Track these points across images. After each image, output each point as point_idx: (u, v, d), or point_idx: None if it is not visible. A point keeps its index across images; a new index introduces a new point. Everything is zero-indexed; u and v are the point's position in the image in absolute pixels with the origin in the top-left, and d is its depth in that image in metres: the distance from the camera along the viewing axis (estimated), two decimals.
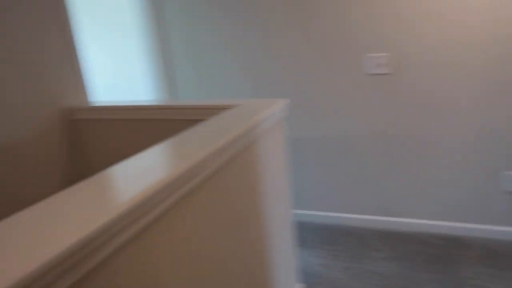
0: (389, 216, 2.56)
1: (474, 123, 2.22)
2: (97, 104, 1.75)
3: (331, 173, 2.61)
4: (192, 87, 2.79)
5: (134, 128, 1.70)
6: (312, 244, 2.46)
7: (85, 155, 1.82)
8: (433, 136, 2.33)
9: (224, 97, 2.74)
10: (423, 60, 2.22)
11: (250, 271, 1.28)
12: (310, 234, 2.58)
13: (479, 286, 1.94)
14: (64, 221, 0.59)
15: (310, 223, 2.72)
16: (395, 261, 2.21)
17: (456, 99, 2.22)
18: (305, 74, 2.48)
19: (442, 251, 2.25)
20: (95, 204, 0.65)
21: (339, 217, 2.66)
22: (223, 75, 2.69)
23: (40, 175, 1.61)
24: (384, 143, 2.44)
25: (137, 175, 0.77)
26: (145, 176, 0.76)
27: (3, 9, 1.46)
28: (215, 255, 1.01)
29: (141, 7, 2.58)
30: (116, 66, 2.81)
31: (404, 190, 2.48)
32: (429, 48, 2.20)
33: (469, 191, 2.34)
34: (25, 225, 0.59)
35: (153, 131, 1.68)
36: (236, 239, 1.15)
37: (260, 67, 2.58)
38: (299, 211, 2.76)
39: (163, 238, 0.78)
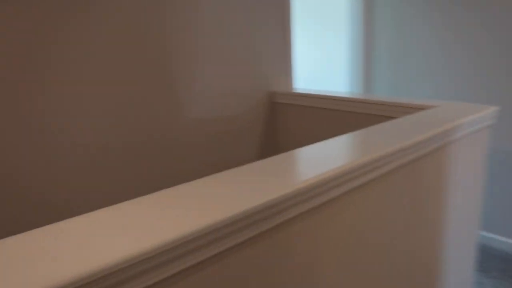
0: None
1: None
2: (297, 91, 1.94)
3: None
4: (387, 84, 2.76)
5: (326, 117, 1.83)
6: (496, 273, 2.18)
7: (279, 134, 2.05)
8: None
9: (421, 97, 2.62)
10: None
11: (414, 280, 1.26)
12: (495, 261, 2.28)
13: None
14: (255, 185, 0.73)
15: (498, 249, 2.39)
16: None
17: None
18: None
19: None
20: (280, 177, 0.77)
21: None
22: (424, 75, 2.57)
23: (245, 143, 1.91)
24: None
25: (320, 159, 0.87)
26: (327, 161, 0.85)
27: (235, 3, 1.76)
28: (377, 252, 1.05)
29: (351, 1, 2.67)
30: (316, 57, 2.99)
31: None
32: None
33: None
34: (230, 181, 0.76)
35: (344, 122, 1.77)
36: (405, 243, 1.15)
37: (471, 68, 2.36)
38: (487, 234, 2.46)
39: (331, 222, 0.86)
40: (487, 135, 1.52)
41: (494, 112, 1.46)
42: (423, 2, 2.46)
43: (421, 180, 1.15)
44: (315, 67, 3.03)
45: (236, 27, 1.77)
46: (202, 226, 0.55)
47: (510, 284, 2.07)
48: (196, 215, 0.58)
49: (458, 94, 2.42)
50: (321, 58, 2.96)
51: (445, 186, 1.29)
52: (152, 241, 0.50)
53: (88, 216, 0.58)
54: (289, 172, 0.79)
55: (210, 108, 1.73)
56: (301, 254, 0.78)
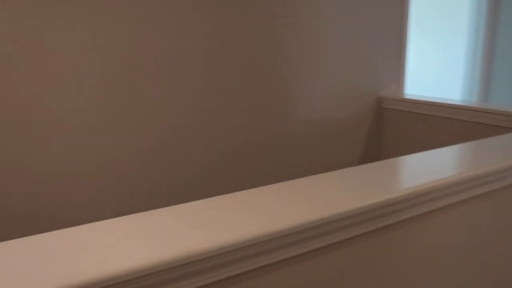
0: None
1: None
2: (407, 97, 1.90)
3: None
4: (509, 92, 2.53)
5: (437, 125, 1.76)
6: None
7: (384, 139, 2.02)
8: None
9: None
10: None
11: None
12: None
13: None
14: (363, 186, 0.76)
15: None
16: None
17: None
18: None
19: None
20: (386, 181, 0.79)
21: None
22: None
23: (348, 145, 1.92)
24: None
25: (431, 168, 0.85)
26: (438, 170, 0.83)
27: (352, 7, 1.78)
28: (475, 264, 1.00)
29: (475, 9, 2.51)
30: (431, 60, 2.86)
31: None
32: None
33: None
34: (337, 181, 0.79)
35: (457, 132, 1.69)
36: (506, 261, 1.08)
37: None
38: None
39: (434, 231, 0.85)
40: None
41: None
42: None
43: None
44: (428, 72, 2.90)
45: (351, 31, 1.79)
46: (321, 216, 0.61)
47: None
48: (316, 207, 0.64)
49: None
50: (436, 62, 2.82)
51: None
52: (287, 221, 0.57)
53: (234, 196, 0.67)
54: (402, 176, 0.81)
55: (319, 109, 1.78)
56: (403, 255, 0.79)
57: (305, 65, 1.71)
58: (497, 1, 2.51)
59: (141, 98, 1.39)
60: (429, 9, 2.80)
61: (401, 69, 1.97)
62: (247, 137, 1.61)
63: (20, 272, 0.47)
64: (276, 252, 0.58)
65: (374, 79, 1.92)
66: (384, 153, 2.04)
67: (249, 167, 1.65)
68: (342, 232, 0.65)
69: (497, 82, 2.59)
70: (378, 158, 2.06)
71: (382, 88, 1.95)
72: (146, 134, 1.42)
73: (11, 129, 1.23)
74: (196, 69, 1.47)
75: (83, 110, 1.32)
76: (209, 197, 0.70)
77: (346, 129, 1.89)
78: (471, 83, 2.60)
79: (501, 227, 0.96)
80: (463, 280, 0.92)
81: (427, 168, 0.86)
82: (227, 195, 0.70)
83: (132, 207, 1.44)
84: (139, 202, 1.46)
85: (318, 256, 0.65)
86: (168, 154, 1.47)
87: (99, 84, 1.33)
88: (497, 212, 0.94)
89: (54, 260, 0.49)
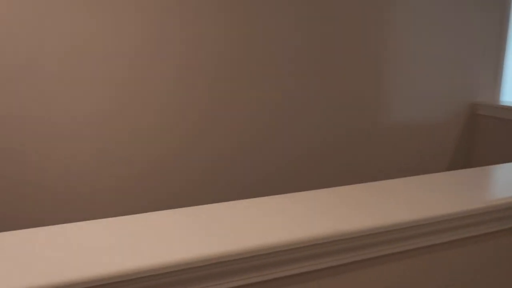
0: None
1: None
2: (504, 104, 1.79)
3: None
4: None
5: None
6: None
7: (476, 146, 1.92)
8: None
9: None
10: None
11: None
12: None
13: None
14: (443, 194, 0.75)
15: None
16: None
17: None
18: None
19: None
20: (468, 190, 0.75)
21: None
22: None
23: (436, 150, 1.85)
24: None
25: None
26: None
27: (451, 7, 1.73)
28: None
29: None
30: None
31: None
32: None
33: None
34: (415, 187, 0.78)
35: None
36: None
37: None
38: None
39: None
40: None
41: None
42: None
43: None
44: None
45: (446, 33, 1.74)
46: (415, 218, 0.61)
47: None
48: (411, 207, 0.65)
49: None
50: None
51: None
52: (385, 219, 0.59)
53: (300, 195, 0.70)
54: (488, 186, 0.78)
55: (408, 112, 1.74)
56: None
57: (396, 68, 1.69)
58: None
59: (229, 98, 1.46)
60: None
61: (498, 74, 1.87)
62: (331, 136, 1.63)
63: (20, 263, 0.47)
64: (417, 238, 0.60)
65: (467, 84, 1.84)
66: (474, 161, 1.94)
67: (333, 166, 1.67)
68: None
69: None
70: (467, 166, 1.96)
71: (476, 94, 1.86)
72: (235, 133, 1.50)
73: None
74: (286, 69, 1.52)
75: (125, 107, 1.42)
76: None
77: (434, 135, 1.83)
78: None
79: None
80: None
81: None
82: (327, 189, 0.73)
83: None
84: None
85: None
86: (268, 147, 1.53)
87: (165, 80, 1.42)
88: None
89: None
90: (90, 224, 0.58)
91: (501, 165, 0.92)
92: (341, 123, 1.64)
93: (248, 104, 1.49)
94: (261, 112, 1.52)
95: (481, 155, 1.90)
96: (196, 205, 0.64)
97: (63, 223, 0.57)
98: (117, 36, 1.29)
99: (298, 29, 1.51)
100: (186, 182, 1.45)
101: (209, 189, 1.48)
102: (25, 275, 0.44)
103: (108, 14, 1.26)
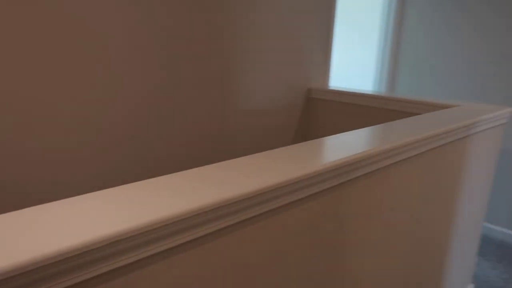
0: None
1: None
2: (331, 88, 2.17)
3: None
4: (411, 84, 2.96)
5: (357, 112, 2.06)
6: (494, 258, 2.40)
7: (314, 126, 2.29)
8: None
9: (441, 97, 2.82)
10: None
11: (428, 250, 1.49)
12: (494, 249, 2.50)
13: None
14: (286, 164, 0.97)
15: (494, 237, 2.60)
16: None
17: None
18: None
19: None
20: (308, 159, 1.00)
21: None
22: (446, 76, 2.77)
23: (283, 134, 2.15)
24: None
25: (345, 146, 1.09)
26: (351, 147, 1.06)
27: (285, 7, 1.99)
28: (402, 222, 1.28)
29: (386, 3, 2.88)
30: (348, 58, 3.21)
31: None
32: None
33: None
34: (262, 161, 0.99)
35: (373, 117, 1.99)
36: (424, 220, 1.38)
37: (491, 71, 2.56)
38: (491, 226, 2.66)
39: (355, 195, 1.10)
40: (501, 133, 1.73)
41: (509, 112, 1.67)
42: (449, 10, 2.65)
43: (442, 167, 1.37)
44: (346, 67, 3.25)
45: (284, 29, 2.00)
46: (265, 185, 0.79)
47: (504, 267, 2.30)
48: (257, 178, 0.82)
49: (478, 95, 2.62)
50: (352, 59, 3.18)
51: (462, 177, 1.51)
52: (234, 191, 0.74)
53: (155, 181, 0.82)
54: (322, 153, 1.03)
55: (255, 101, 1.97)
56: (333, 220, 1.02)
57: (241, 60, 1.88)
58: (403, 4, 2.91)
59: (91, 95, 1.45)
60: (348, 14, 3.14)
61: (327, 63, 2.24)
62: (182, 130, 1.75)
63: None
64: (258, 206, 0.75)
65: (304, 72, 2.16)
66: (311, 137, 2.30)
67: (187, 159, 1.79)
68: (310, 189, 0.85)
69: (401, 74, 3.01)
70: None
71: (311, 80, 2.21)
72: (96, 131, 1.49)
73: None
74: (132, 65, 1.56)
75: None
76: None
77: (279, 118, 2.11)
78: (382, 77, 2.99)
79: (421, 185, 1.24)
80: (393, 240, 1.18)
81: (350, 145, 1.09)
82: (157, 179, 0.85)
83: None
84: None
85: (293, 207, 0.83)
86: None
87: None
88: (415, 173, 1.21)
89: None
90: None
91: (328, 137, 1.18)
92: (188, 117, 1.76)
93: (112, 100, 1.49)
94: (121, 109, 1.53)
95: (316, 132, 2.27)
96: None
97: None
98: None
99: (136, 22, 1.56)
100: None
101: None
102: None
103: None
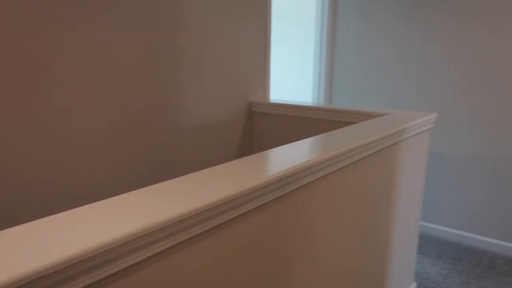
0: None
1: None
2: (272, 101, 2.22)
3: (468, 192, 2.63)
4: (347, 95, 3.11)
5: (297, 124, 2.12)
6: (433, 255, 2.56)
7: (256, 140, 2.32)
8: None
9: (377, 105, 2.99)
10: None
11: (371, 252, 1.56)
12: (432, 246, 2.67)
13: None
14: (235, 178, 0.99)
15: (433, 235, 2.78)
16: None
17: None
18: (466, 90, 2.57)
19: None
20: (250, 173, 1.03)
21: (466, 236, 2.66)
22: (377, 87, 2.94)
23: (226, 148, 2.16)
24: None
25: (286, 158, 1.12)
26: (291, 159, 1.10)
27: (222, 23, 2.02)
28: (343, 227, 1.33)
29: (319, 17, 3.01)
30: (287, 71, 3.31)
31: None
32: None
33: None
34: (211, 176, 1.01)
35: (312, 128, 2.07)
36: (366, 223, 1.45)
37: (421, 80, 2.76)
38: (427, 224, 2.85)
39: (298, 205, 1.14)
40: (428, 137, 1.87)
41: (434, 118, 1.81)
42: (377, 26, 2.84)
43: (379, 171, 1.45)
44: (285, 80, 3.35)
45: (223, 43, 2.03)
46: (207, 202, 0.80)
47: (443, 263, 2.46)
48: (200, 195, 0.83)
49: (406, 103, 2.81)
50: (291, 72, 3.28)
51: (397, 181, 1.61)
52: (190, 205, 0.74)
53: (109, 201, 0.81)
54: (264, 167, 1.06)
55: (196, 117, 1.97)
56: (273, 234, 1.04)
57: (179, 77, 1.88)
58: (335, 16, 3.06)
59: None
60: (283, 28, 3.24)
61: (266, 76, 2.30)
62: (116, 150, 1.71)
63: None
64: (197, 226, 0.76)
65: (244, 86, 2.19)
66: (256, 149, 2.34)
67: (146, 166, 1.75)
68: (250, 203, 0.86)
69: (337, 85, 3.15)
70: (251, 154, 2.33)
71: (252, 94, 2.25)
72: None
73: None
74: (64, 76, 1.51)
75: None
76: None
77: (222, 134, 2.12)
78: (320, 89, 3.11)
79: (361, 190, 1.30)
80: (336, 244, 1.22)
81: (288, 158, 1.13)
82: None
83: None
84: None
85: (235, 223, 0.84)
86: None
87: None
88: (354, 179, 1.27)
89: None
90: None
91: (269, 150, 1.21)
92: (133, 132, 1.73)
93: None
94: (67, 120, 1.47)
95: (259, 145, 2.31)
96: None
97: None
98: None
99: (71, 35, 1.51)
100: None
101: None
102: None
103: None
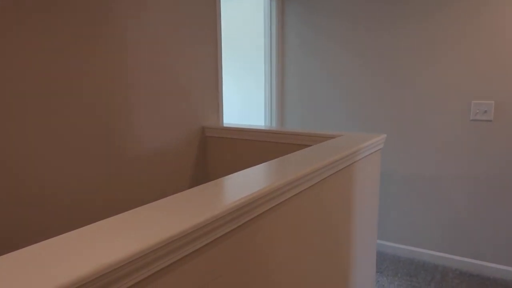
0: (475, 259, 2.56)
1: None
2: (224, 125, 2.18)
3: (417, 209, 2.72)
4: (297, 119, 3.14)
5: (251, 147, 2.09)
6: (390, 272, 2.59)
7: (210, 164, 2.26)
8: None
9: (325, 127, 3.04)
10: None
11: (332, 274, 1.53)
12: (388, 264, 2.70)
13: None
14: (192, 207, 0.94)
15: (391, 254, 2.83)
16: None
17: None
18: (408, 113, 2.67)
19: None
20: (208, 202, 0.98)
21: (419, 252, 2.73)
22: (325, 111, 3.00)
23: (180, 174, 2.07)
24: (477, 187, 2.49)
25: (243, 185, 1.08)
26: (249, 186, 1.07)
27: (173, 48, 1.97)
28: (303, 251, 1.30)
29: (267, 45, 3.04)
30: (239, 97, 3.30)
31: (495, 235, 2.48)
32: None
33: None
34: (170, 206, 0.95)
35: (266, 151, 2.04)
36: (327, 245, 1.43)
37: (364, 103, 2.84)
38: (382, 242, 2.89)
39: (258, 234, 1.09)
40: (379, 157, 1.90)
41: (383, 139, 1.85)
42: (320, 57, 2.92)
43: (336, 193, 1.44)
44: (237, 106, 3.33)
45: (172, 69, 1.97)
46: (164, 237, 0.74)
47: (399, 279, 2.49)
48: (156, 230, 0.76)
49: (352, 125, 2.88)
50: (243, 99, 3.28)
51: (353, 201, 1.60)
52: (145, 242, 0.67)
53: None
54: (220, 196, 1.01)
55: (146, 144, 1.88)
56: (232, 265, 0.99)
57: (127, 104, 1.80)
58: (282, 42, 3.11)
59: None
60: (235, 57, 3.25)
61: (218, 101, 2.26)
62: (56, 182, 1.60)
63: None
64: (152, 264, 0.69)
65: (196, 111, 2.14)
66: (211, 175, 2.27)
67: (82, 212, 1.62)
68: (206, 237, 0.80)
69: (289, 112, 3.18)
70: (206, 180, 2.27)
71: (204, 119, 2.19)
72: None
73: None
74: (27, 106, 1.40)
75: None
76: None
77: (175, 161, 2.04)
78: (272, 114, 3.12)
79: (321, 211, 1.27)
80: (295, 267, 1.17)
81: (241, 186, 1.08)
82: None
83: None
84: None
85: (188, 261, 0.77)
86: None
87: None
88: (314, 202, 1.24)
89: None
90: None
91: (226, 177, 1.15)
92: (87, 161, 1.62)
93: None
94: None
95: (214, 170, 2.25)
96: None
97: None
98: None
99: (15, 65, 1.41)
100: None
101: None
102: None
103: None
